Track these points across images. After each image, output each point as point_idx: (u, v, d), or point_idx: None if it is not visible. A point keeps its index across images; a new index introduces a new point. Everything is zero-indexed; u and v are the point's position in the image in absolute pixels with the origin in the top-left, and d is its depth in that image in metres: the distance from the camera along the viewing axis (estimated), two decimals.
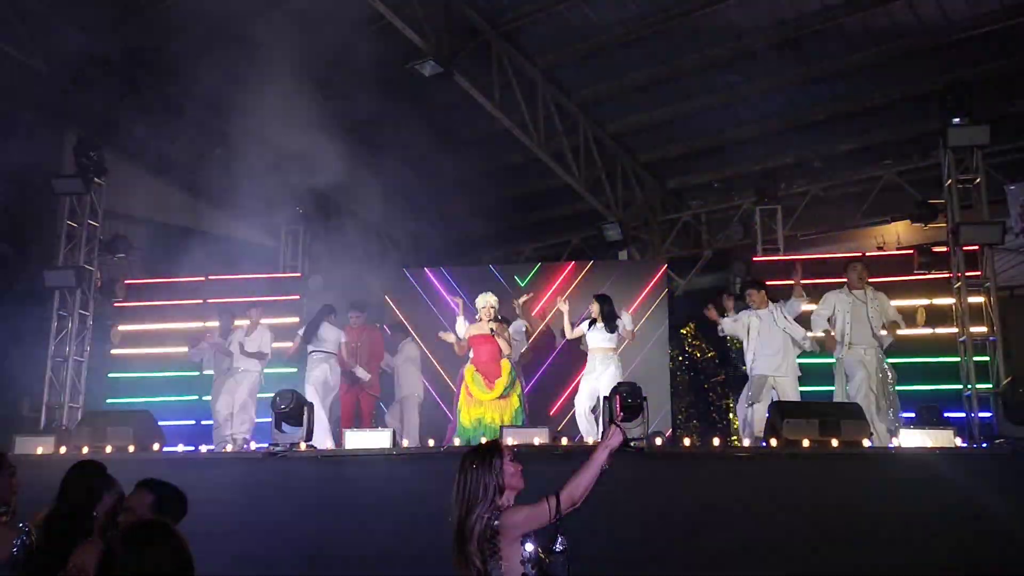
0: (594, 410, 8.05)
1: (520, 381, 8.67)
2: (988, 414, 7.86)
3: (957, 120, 8.44)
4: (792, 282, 7.98)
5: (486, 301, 8.46)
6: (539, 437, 6.84)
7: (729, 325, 8.19)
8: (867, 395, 7.47)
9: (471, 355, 8.45)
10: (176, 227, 11.11)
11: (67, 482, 3.50)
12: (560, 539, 3.06)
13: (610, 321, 8.12)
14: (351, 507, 6.21)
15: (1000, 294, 8.90)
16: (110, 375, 10.23)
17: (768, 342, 7.80)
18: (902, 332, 7.81)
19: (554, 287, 10.84)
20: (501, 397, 8.22)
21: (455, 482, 3.13)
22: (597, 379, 8.02)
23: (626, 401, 6.35)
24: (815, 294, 9.50)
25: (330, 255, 11.71)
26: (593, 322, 8.20)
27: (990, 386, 8.16)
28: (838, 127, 11.11)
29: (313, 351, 8.71)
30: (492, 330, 8.22)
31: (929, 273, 9.08)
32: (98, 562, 2.10)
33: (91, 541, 3.23)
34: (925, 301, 9.11)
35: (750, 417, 7.75)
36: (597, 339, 8.15)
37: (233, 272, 10.75)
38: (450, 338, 8.80)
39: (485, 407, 8.19)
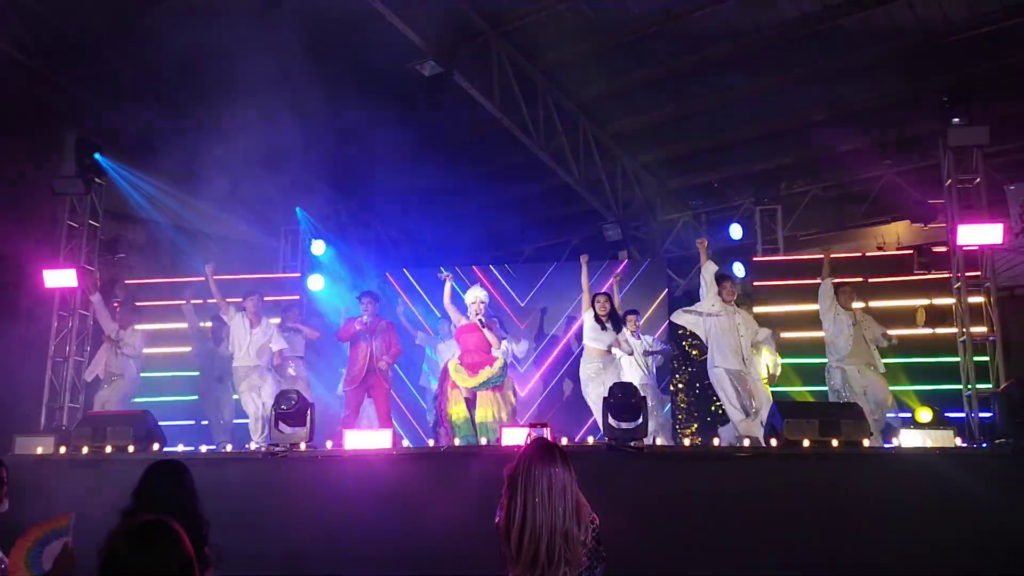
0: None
1: (513, 384, 8.58)
2: (988, 414, 7.86)
3: (957, 120, 8.45)
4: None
5: (475, 296, 8.37)
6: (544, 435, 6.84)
7: (691, 319, 8.29)
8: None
9: (458, 350, 8.32)
10: (175, 227, 11.11)
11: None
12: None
13: (616, 321, 8.15)
14: (351, 507, 6.22)
15: (1000, 294, 8.90)
16: None
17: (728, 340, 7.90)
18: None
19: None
20: (484, 386, 7.97)
21: (552, 482, 2.74)
22: (604, 383, 7.95)
23: (626, 401, 6.36)
24: (815, 294, 9.51)
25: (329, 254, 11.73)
26: (598, 319, 8.16)
27: (990, 386, 8.16)
28: (838, 127, 11.11)
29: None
30: (481, 322, 8.14)
31: (929, 273, 9.08)
32: (100, 562, 2.09)
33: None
34: (925, 301, 9.12)
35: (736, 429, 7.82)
36: (604, 339, 8.13)
37: (233, 272, 10.76)
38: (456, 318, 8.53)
39: (479, 405, 7.98)
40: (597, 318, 8.19)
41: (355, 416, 8.64)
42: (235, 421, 9.24)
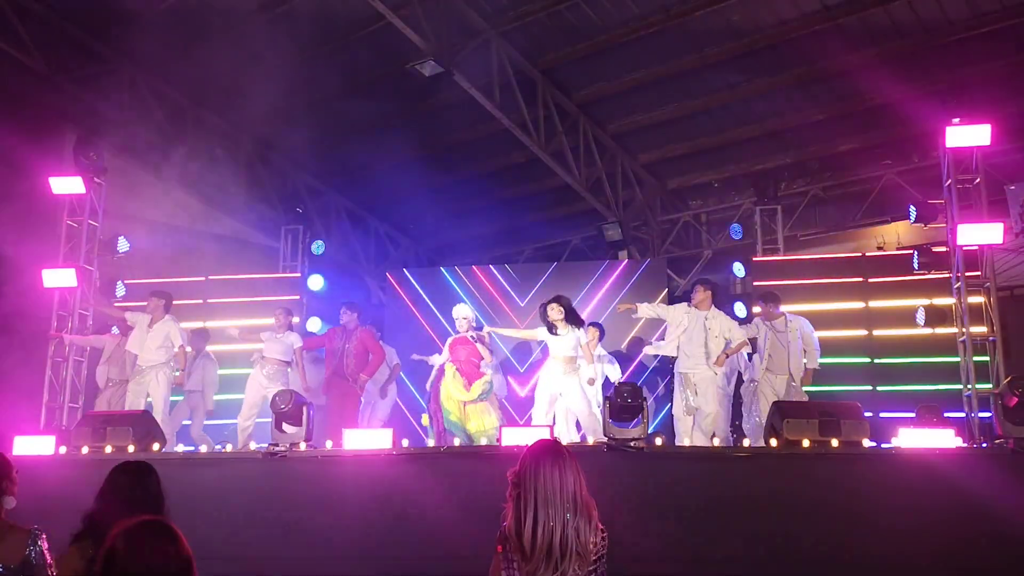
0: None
1: (495, 396, 8.61)
2: (988, 414, 7.86)
3: (957, 120, 8.44)
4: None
5: (460, 313, 8.51)
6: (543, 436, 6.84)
7: (645, 309, 8.01)
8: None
9: (449, 356, 8.45)
10: (176, 227, 11.10)
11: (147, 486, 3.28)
12: None
13: (577, 325, 7.73)
14: (351, 507, 6.21)
15: (1000, 294, 8.89)
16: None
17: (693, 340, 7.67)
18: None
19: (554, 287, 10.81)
20: (476, 401, 8.21)
21: (563, 479, 2.71)
22: (559, 391, 7.62)
23: (626, 402, 6.36)
24: (814, 294, 9.50)
25: (331, 255, 11.74)
26: (553, 326, 7.69)
27: (990, 386, 8.15)
28: (838, 127, 11.10)
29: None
30: (472, 337, 8.30)
31: (929, 273, 9.07)
32: (99, 562, 2.09)
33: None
34: (925, 301, 9.11)
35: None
36: (563, 345, 7.67)
37: (233, 272, 10.76)
38: (433, 360, 8.84)
39: (466, 412, 8.19)
40: (550, 326, 7.68)
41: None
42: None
